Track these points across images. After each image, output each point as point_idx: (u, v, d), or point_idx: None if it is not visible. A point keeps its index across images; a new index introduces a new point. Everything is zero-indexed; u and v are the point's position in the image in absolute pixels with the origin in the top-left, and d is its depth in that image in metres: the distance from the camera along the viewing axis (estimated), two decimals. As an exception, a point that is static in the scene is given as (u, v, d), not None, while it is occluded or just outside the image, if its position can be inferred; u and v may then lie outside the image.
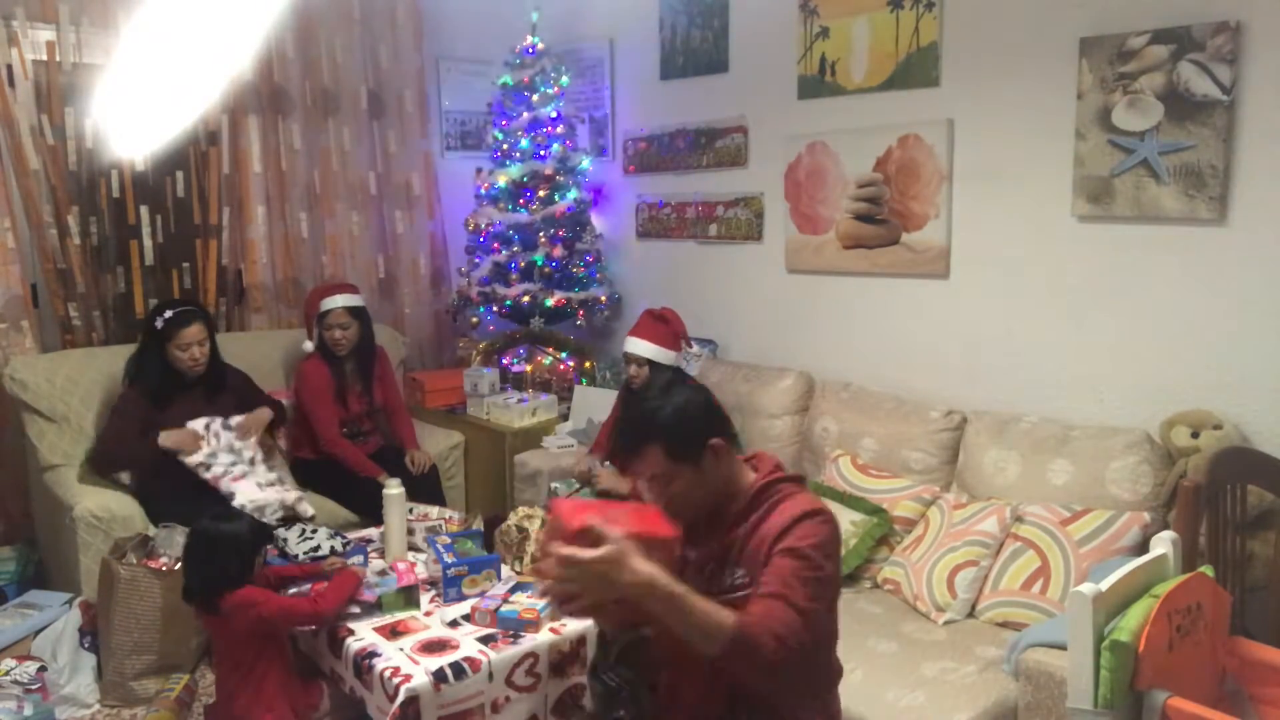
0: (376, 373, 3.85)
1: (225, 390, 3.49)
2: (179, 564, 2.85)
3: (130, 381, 3.36)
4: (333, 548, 3.00)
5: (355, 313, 3.70)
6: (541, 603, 2.48)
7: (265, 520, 3.09)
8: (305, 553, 2.99)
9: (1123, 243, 2.88)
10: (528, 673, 2.39)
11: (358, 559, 2.88)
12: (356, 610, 2.60)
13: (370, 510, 3.10)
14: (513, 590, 2.60)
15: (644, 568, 1.54)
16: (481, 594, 2.61)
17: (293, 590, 2.67)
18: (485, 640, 2.40)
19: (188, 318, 3.30)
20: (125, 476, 3.37)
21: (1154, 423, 2.73)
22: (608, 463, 3.47)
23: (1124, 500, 2.64)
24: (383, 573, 2.73)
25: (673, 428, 1.74)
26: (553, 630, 2.46)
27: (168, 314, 3.29)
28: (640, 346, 3.38)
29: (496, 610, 2.46)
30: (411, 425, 3.93)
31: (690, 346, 3.52)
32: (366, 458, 3.64)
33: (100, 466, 3.33)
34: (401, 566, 2.76)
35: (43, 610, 3.15)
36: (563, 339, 4.50)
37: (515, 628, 2.43)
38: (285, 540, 3.03)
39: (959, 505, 2.89)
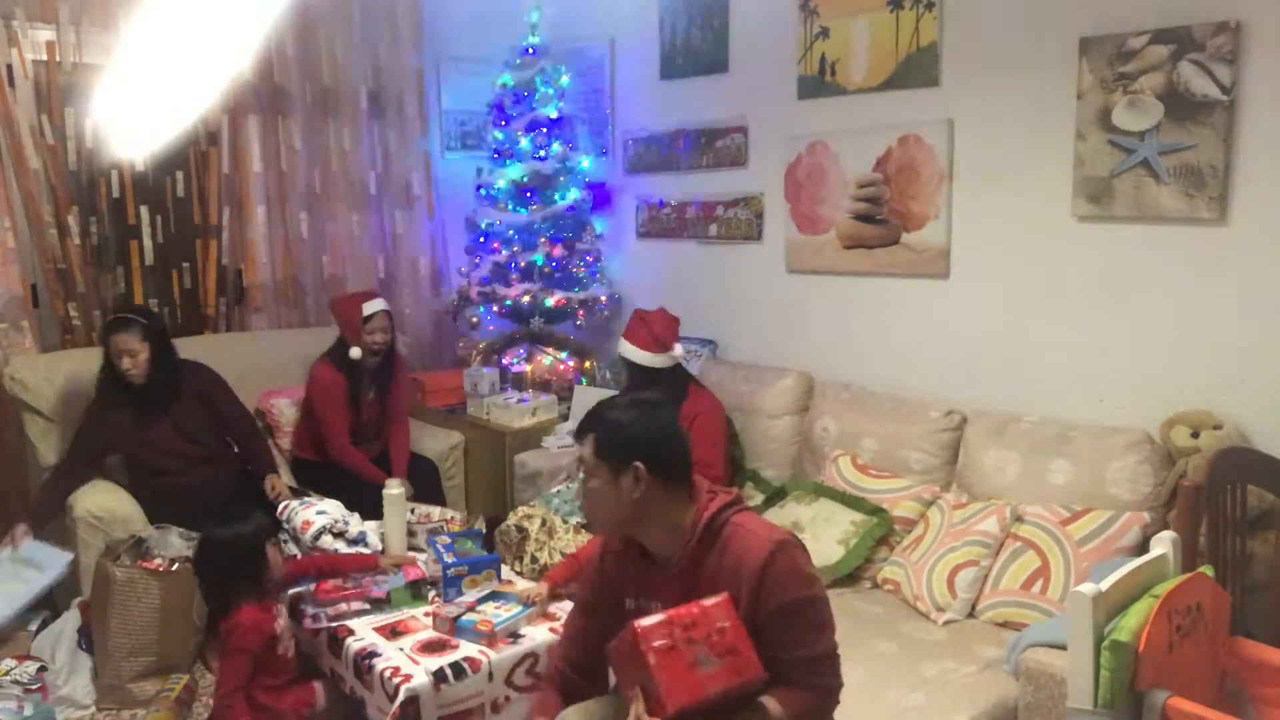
0: (393, 379, 3.83)
1: (179, 399, 3.36)
2: (175, 564, 2.86)
3: (96, 385, 3.33)
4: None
5: (390, 317, 3.74)
6: (502, 614, 2.47)
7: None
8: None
9: (1123, 243, 2.88)
10: (527, 673, 2.39)
11: (361, 548, 2.90)
12: (367, 607, 2.61)
13: (371, 511, 3.11)
14: (484, 599, 2.57)
15: None
16: (454, 598, 2.60)
17: (295, 589, 2.68)
18: (485, 640, 2.40)
19: (119, 325, 3.24)
20: (124, 478, 3.38)
21: (1154, 423, 2.73)
22: None
23: (1124, 500, 2.64)
24: (384, 571, 2.75)
25: (609, 428, 1.84)
26: (553, 630, 2.47)
27: (110, 317, 3.28)
28: (621, 345, 3.42)
29: (456, 619, 2.45)
30: (406, 444, 3.82)
31: (672, 349, 3.45)
32: (370, 463, 3.64)
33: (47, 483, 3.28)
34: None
35: (42, 571, 3.05)
36: (563, 339, 4.50)
37: (470, 639, 2.41)
38: (286, 540, 3.03)
39: (959, 505, 2.89)
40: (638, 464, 1.79)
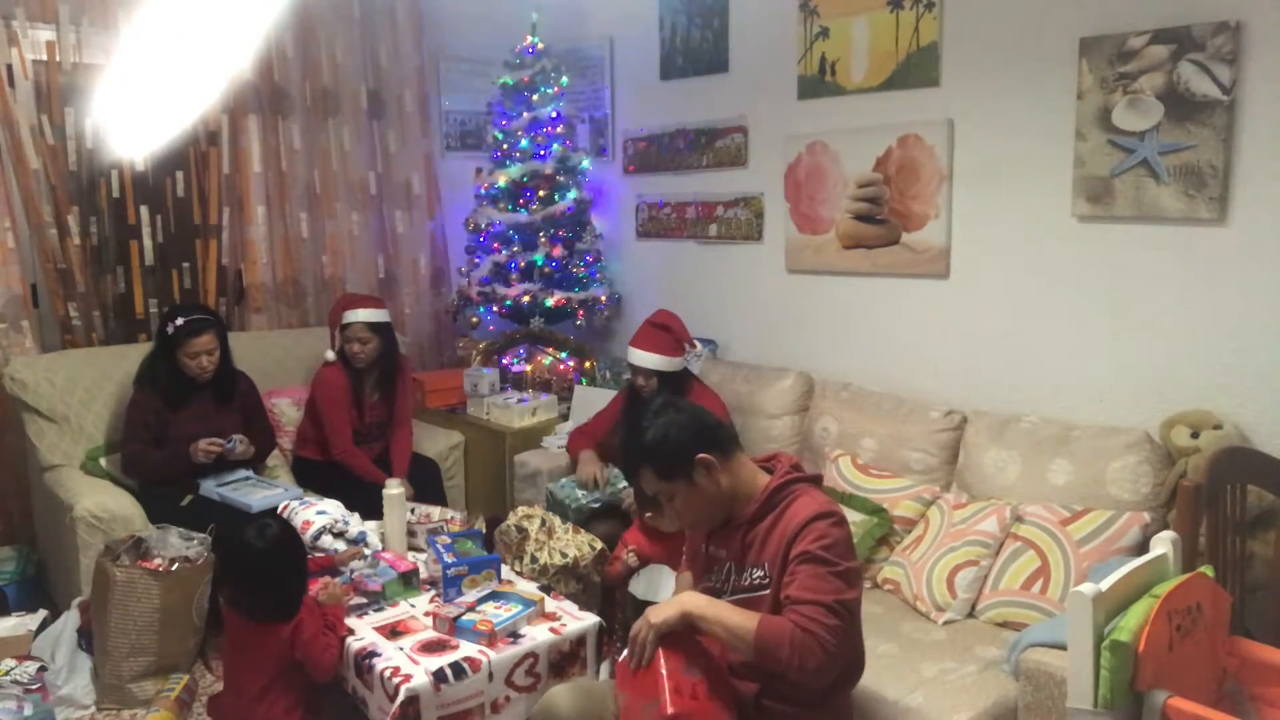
0: (397, 383, 3.82)
1: (235, 397, 3.50)
2: (175, 564, 2.86)
3: (139, 384, 3.37)
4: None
5: (376, 328, 3.65)
6: (502, 614, 2.48)
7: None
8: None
9: (1123, 243, 2.87)
10: (528, 673, 2.39)
11: (362, 549, 2.90)
12: (364, 600, 2.62)
13: (371, 511, 3.11)
14: (484, 599, 2.57)
15: (670, 605, 1.89)
16: (454, 598, 2.61)
17: None
18: (485, 640, 2.40)
19: (199, 327, 3.30)
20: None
21: (1154, 423, 2.73)
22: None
23: (1124, 500, 2.64)
24: (374, 564, 2.77)
25: (656, 451, 1.95)
26: (552, 630, 2.47)
27: (180, 321, 3.29)
28: (645, 359, 3.36)
29: (456, 619, 2.45)
30: (408, 446, 3.81)
31: (694, 346, 3.52)
32: (372, 464, 3.64)
33: (131, 475, 3.37)
34: (389, 556, 2.82)
35: (285, 489, 3.36)
36: (563, 339, 4.50)
37: (470, 639, 2.41)
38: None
39: (959, 505, 2.89)
40: (701, 455, 1.92)
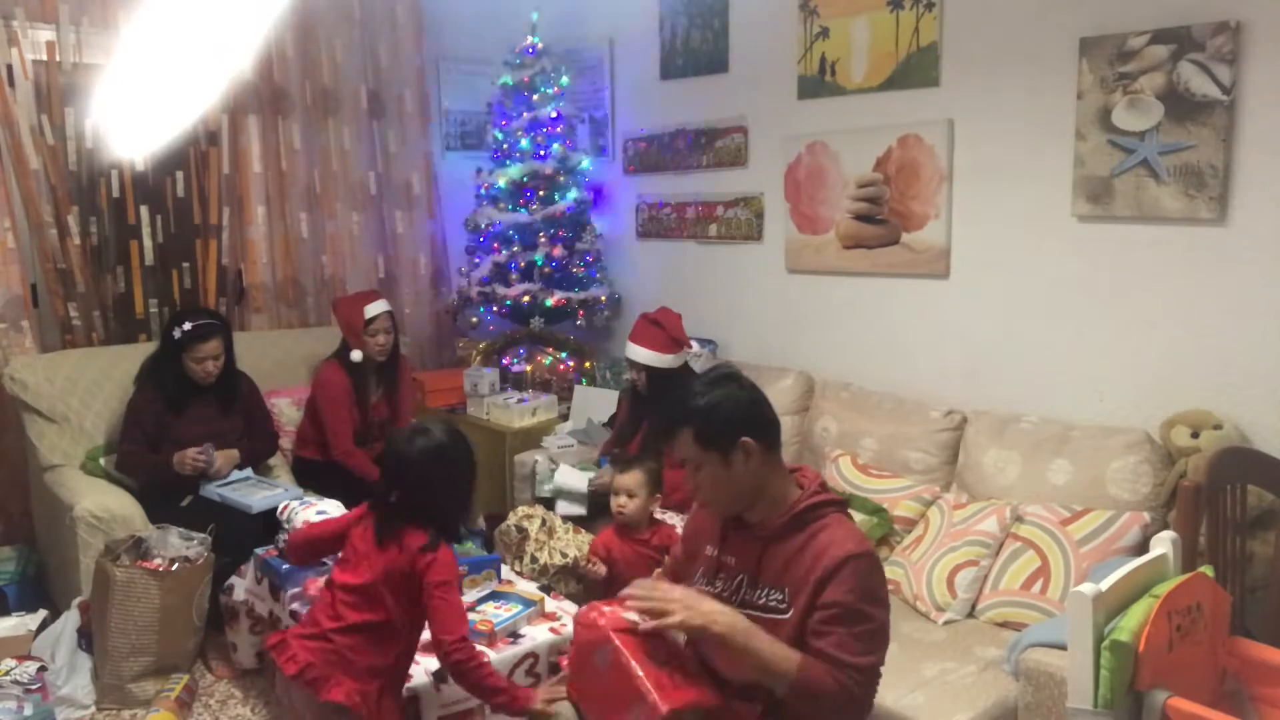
0: (399, 381, 3.84)
1: (237, 399, 3.51)
2: (175, 564, 2.86)
3: (140, 385, 3.38)
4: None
5: (392, 317, 3.74)
6: (502, 614, 2.47)
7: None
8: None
9: (1123, 243, 2.88)
10: (528, 673, 2.39)
11: None
12: None
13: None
14: (484, 599, 2.57)
15: (722, 607, 1.77)
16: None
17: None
18: (485, 640, 2.40)
19: (207, 332, 3.33)
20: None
21: (1154, 423, 2.73)
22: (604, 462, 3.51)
23: (1124, 500, 2.64)
24: None
25: (705, 416, 1.83)
26: (552, 630, 2.47)
27: (187, 325, 3.31)
28: (637, 353, 3.36)
29: None
30: None
31: (690, 347, 3.51)
32: (373, 464, 3.64)
33: (121, 473, 3.38)
34: None
35: (285, 489, 3.31)
36: (563, 339, 4.51)
37: (470, 639, 2.39)
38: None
39: (959, 505, 2.89)
40: (745, 439, 1.81)
